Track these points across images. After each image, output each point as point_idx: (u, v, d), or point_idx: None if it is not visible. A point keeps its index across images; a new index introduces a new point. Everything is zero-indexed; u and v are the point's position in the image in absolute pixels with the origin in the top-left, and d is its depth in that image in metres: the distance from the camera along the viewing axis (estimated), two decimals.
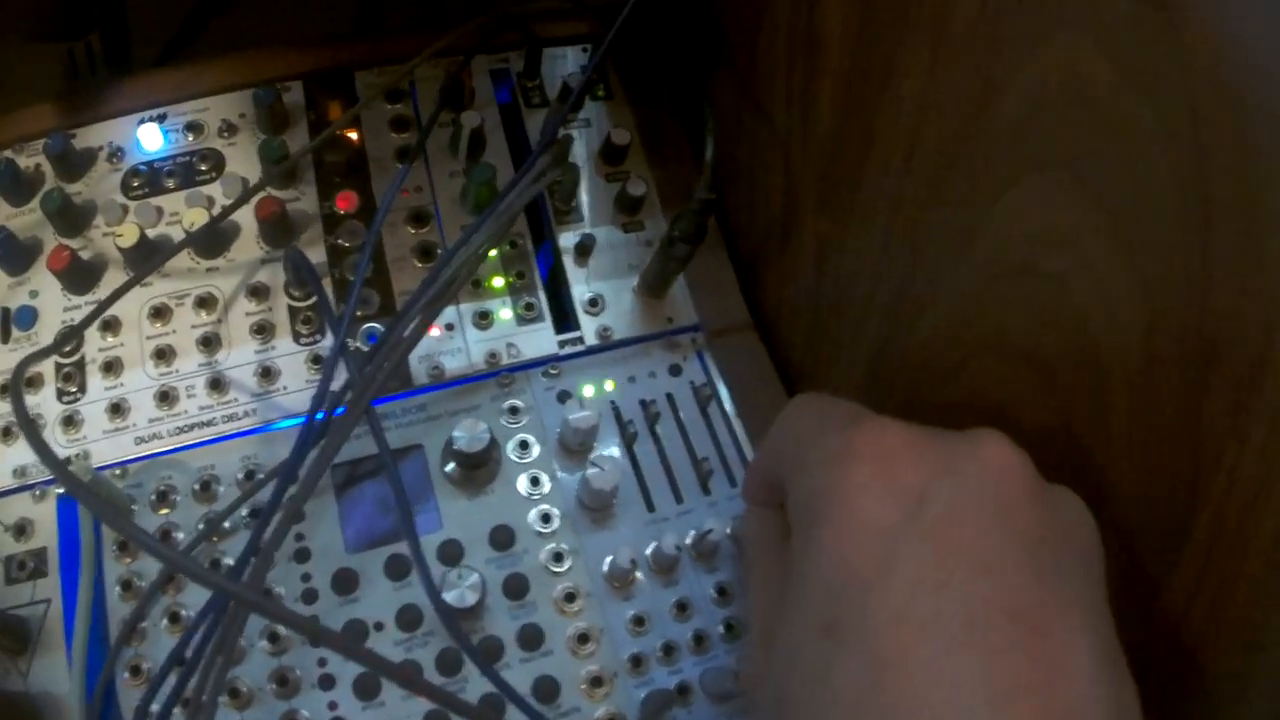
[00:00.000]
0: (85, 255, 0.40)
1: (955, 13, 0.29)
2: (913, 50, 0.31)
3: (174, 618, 0.35)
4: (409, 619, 0.35)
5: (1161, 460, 0.26)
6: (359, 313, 0.39)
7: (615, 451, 0.38)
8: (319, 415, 0.36)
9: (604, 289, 0.41)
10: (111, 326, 0.39)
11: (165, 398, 0.38)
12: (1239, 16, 0.21)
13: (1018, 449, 0.25)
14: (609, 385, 0.40)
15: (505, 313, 0.40)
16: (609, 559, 0.36)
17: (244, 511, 0.36)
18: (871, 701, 0.22)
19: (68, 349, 0.39)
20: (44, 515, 0.37)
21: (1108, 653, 0.23)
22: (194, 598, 0.35)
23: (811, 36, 0.36)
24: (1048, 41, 0.26)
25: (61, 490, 0.37)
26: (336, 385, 0.36)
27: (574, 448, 0.38)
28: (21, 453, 0.38)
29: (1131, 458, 0.27)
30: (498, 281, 0.40)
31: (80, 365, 0.39)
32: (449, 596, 0.34)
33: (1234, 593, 0.25)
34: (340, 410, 0.36)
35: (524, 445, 0.38)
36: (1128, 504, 0.27)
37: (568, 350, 0.40)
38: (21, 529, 0.37)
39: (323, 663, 0.34)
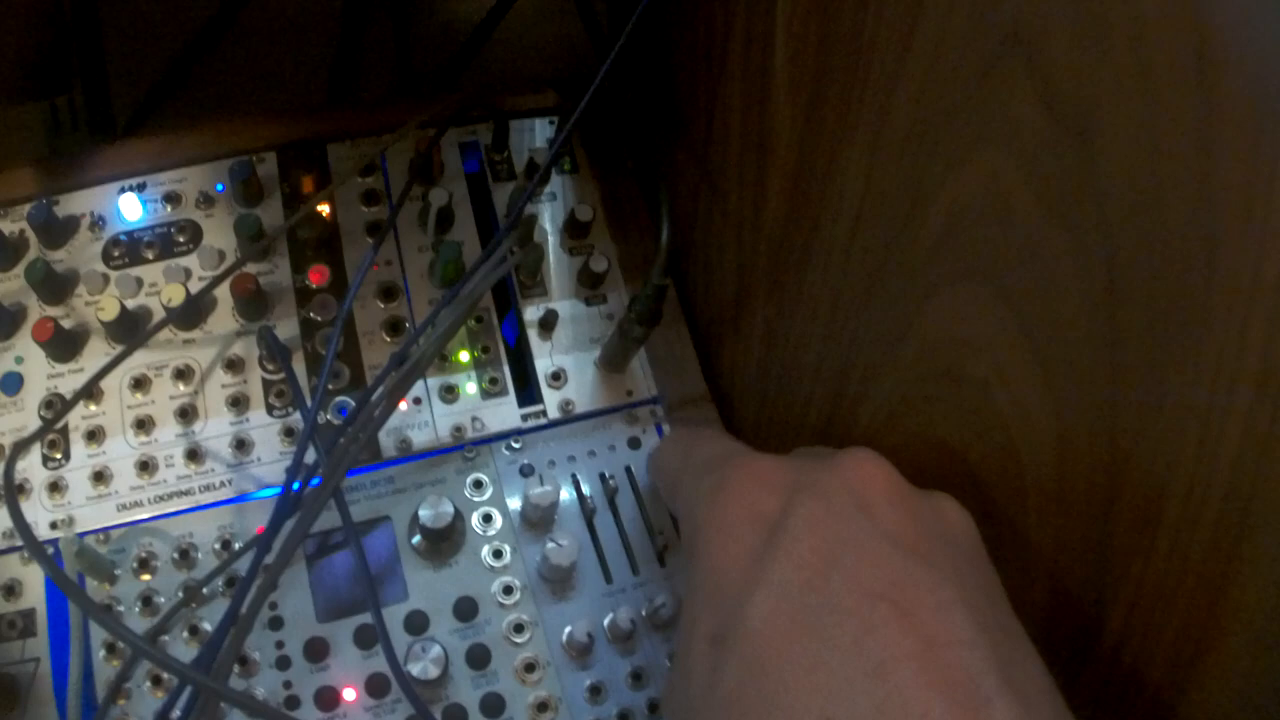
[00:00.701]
0: (67, 324, 0.41)
1: (891, 119, 0.30)
2: (853, 152, 0.33)
3: (156, 680, 0.37)
4: (377, 686, 0.37)
5: (1075, 562, 0.28)
6: (330, 386, 0.41)
7: (575, 525, 0.40)
8: (295, 486, 0.37)
9: (566, 362, 0.43)
10: (94, 395, 0.41)
11: (145, 466, 0.40)
12: (1157, 148, 0.22)
13: (878, 459, 0.28)
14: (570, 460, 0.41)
15: (470, 387, 0.42)
16: (568, 630, 0.38)
17: (219, 580, 0.38)
18: (755, 697, 0.24)
19: (53, 415, 0.41)
20: (33, 577, 0.39)
21: (991, 624, 0.24)
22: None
23: (763, 129, 0.38)
24: (972, 158, 0.27)
25: (51, 552, 0.39)
26: (310, 457, 0.38)
27: (535, 521, 0.39)
28: (8, 516, 0.39)
29: (1047, 556, 0.29)
30: (464, 356, 0.42)
31: (64, 433, 0.41)
32: (413, 669, 0.36)
33: (1139, 695, 0.27)
34: (315, 481, 0.37)
35: (487, 518, 0.40)
36: (1045, 598, 0.29)
37: (530, 423, 0.42)
38: (11, 589, 0.39)
39: None
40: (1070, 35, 0.23)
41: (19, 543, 0.39)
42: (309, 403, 0.38)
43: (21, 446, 0.35)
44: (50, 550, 0.38)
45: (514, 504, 0.40)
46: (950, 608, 0.24)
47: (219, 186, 0.44)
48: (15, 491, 0.34)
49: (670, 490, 0.33)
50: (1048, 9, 0.24)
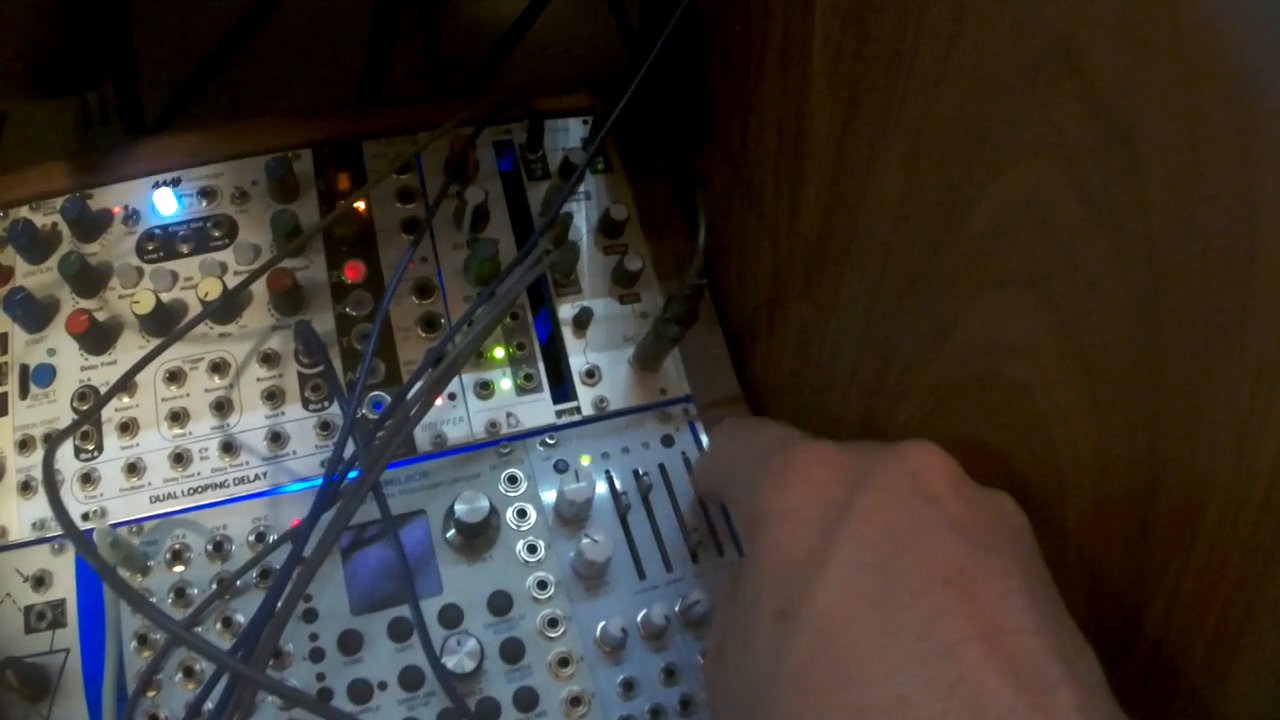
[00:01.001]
0: (101, 317, 0.42)
1: (932, 125, 0.31)
2: (893, 156, 0.33)
3: (188, 672, 0.37)
4: (411, 679, 0.37)
5: (1112, 564, 0.28)
6: (366, 381, 0.41)
7: (609, 521, 0.40)
8: (334, 479, 0.38)
9: (600, 360, 0.43)
10: (128, 388, 0.41)
11: (179, 459, 0.40)
12: (1199, 158, 0.22)
13: (941, 452, 0.28)
14: (604, 457, 0.42)
15: (505, 383, 0.42)
16: (601, 625, 0.38)
17: (254, 573, 0.38)
18: (827, 670, 0.24)
19: (86, 407, 0.41)
20: (63, 568, 0.39)
21: (1051, 614, 0.25)
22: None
23: (800, 131, 0.38)
24: (1015, 164, 0.28)
25: None
26: (347, 451, 0.38)
27: (570, 517, 0.40)
28: (39, 507, 0.39)
29: (1085, 559, 0.29)
30: (499, 352, 0.42)
31: (98, 424, 0.41)
32: (449, 662, 0.36)
33: (1175, 693, 0.27)
34: (352, 475, 0.38)
35: (522, 514, 0.40)
36: (1082, 596, 0.29)
37: (565, 420, 0.42)
38: (40, 580, 0.39)
39: None
40: (1114, 45, 0.24)
41: (49, 534, 0.39)
42: (346, 397, 0.38)
43: (59, 439, 0.35)
44: (88, 539, 0.38)
45: (548, 499, 0.40)
46: (1015, 596, 0.24)
47: (254, 182, 0.44)
48: (55, 483, 0.34)
49: (726, 475, 0.33)
50: (1092, 19, 0.24)
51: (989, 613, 0.24)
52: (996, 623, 0.23)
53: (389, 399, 0.40)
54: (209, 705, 0.35)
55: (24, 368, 0.41)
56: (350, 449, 0.38)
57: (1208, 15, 0.21)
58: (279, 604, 0.34)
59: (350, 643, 0.38)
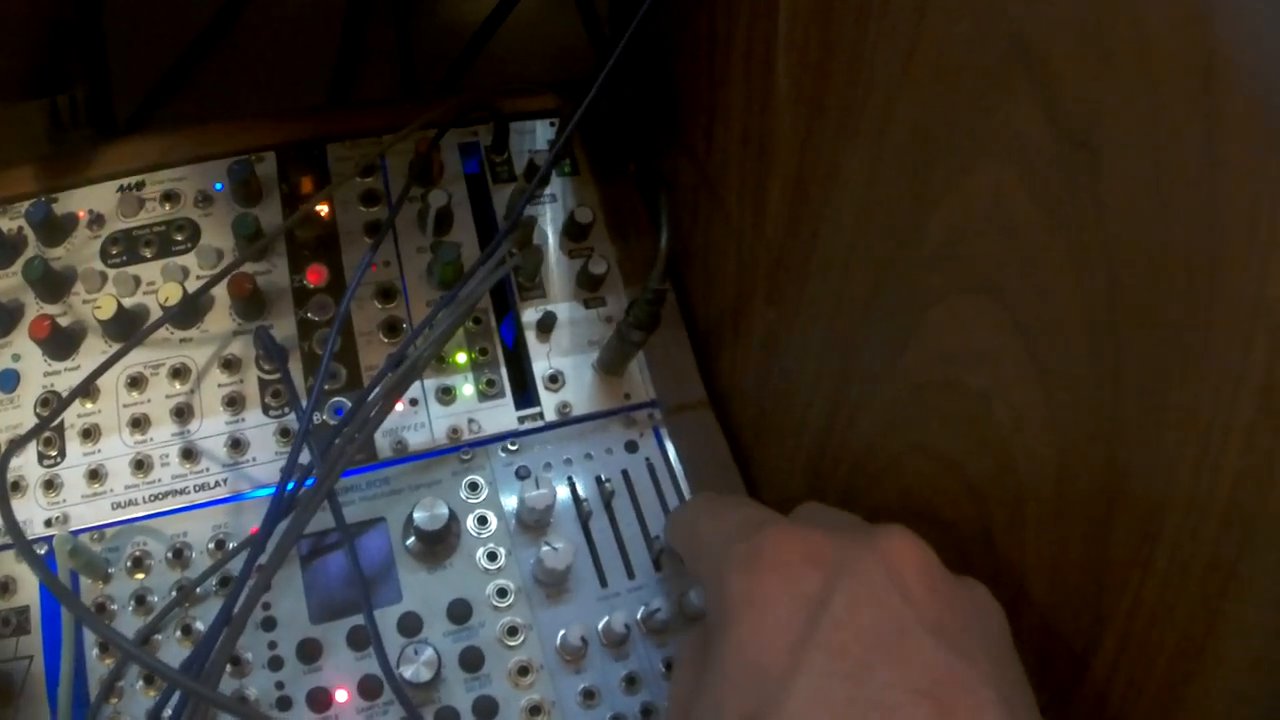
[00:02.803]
0: (64, 322, 0.41)
1: (893, 129, 0.30)
2: (855, 160, 0.33)
3: (149, 679, 0.37)
4: (370, 688, 0.37)
5: (1072, 576, 0.28)
6: (327, 386, 0.41)
7: (571, 528, 0.40)
8: (289, 487, 0.37)
9: (564, 365, 0.43)
10: (90, 394, 0.41)
11: (141, 465, 0.40)
12: (1161, 163, 0.22)
13: (918, 542, 0.27)
14: (566, 463, 0.41)
15: (467, 388, 0.42)
16: (562, 633, 0.38)
17: (214, 580, 0.38)
18: None
19: (47, 414, 0.41)
20: (27, 574, 0.39)
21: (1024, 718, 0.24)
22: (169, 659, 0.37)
23: (764, 135, 0.37)
24: (974, 168, 0.27)
25: (42, 551, 0.39)
26: (305, 458, 0.38)
27: (531, 524, 0.39)
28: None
29: (1044, 570, 0.29)
30: (461, 357, 0.42)
31: (60, 430, 0.40)
32: (406, 671, 0.36)
33: (1133, 712, 0.27)
34: (309, 482, 0.37)
35: (483, 520, 0.40)
36: (1041, 613, 0.29)
37: (527, 425, 0.41)
38: (5, 586, 0.38)
39: None
40: (1075, 47, 0.23)
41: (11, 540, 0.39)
42: (304, 403, 0.38)
43: (17, 445, 0.35)
44: (44, 548, 0.38)
45: (509, 506, 0.40)
46: (990, 709, 0.24)
47: (217, 186, 0.44)
48: (7, 491, 0.34)
49: (695, 554, 0.32)
50: (1052, 21, 0.24)
51: None
52: None
53: (349, 404, 0.40)
54: (168, 713, 0.34)
55: None
56: (310, 456, 0.37)
57: (1170, 18, 0.21)
58: (234, 612, 0.34)
59: (309, 651, 0.37)
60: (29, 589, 0.38)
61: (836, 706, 0.24)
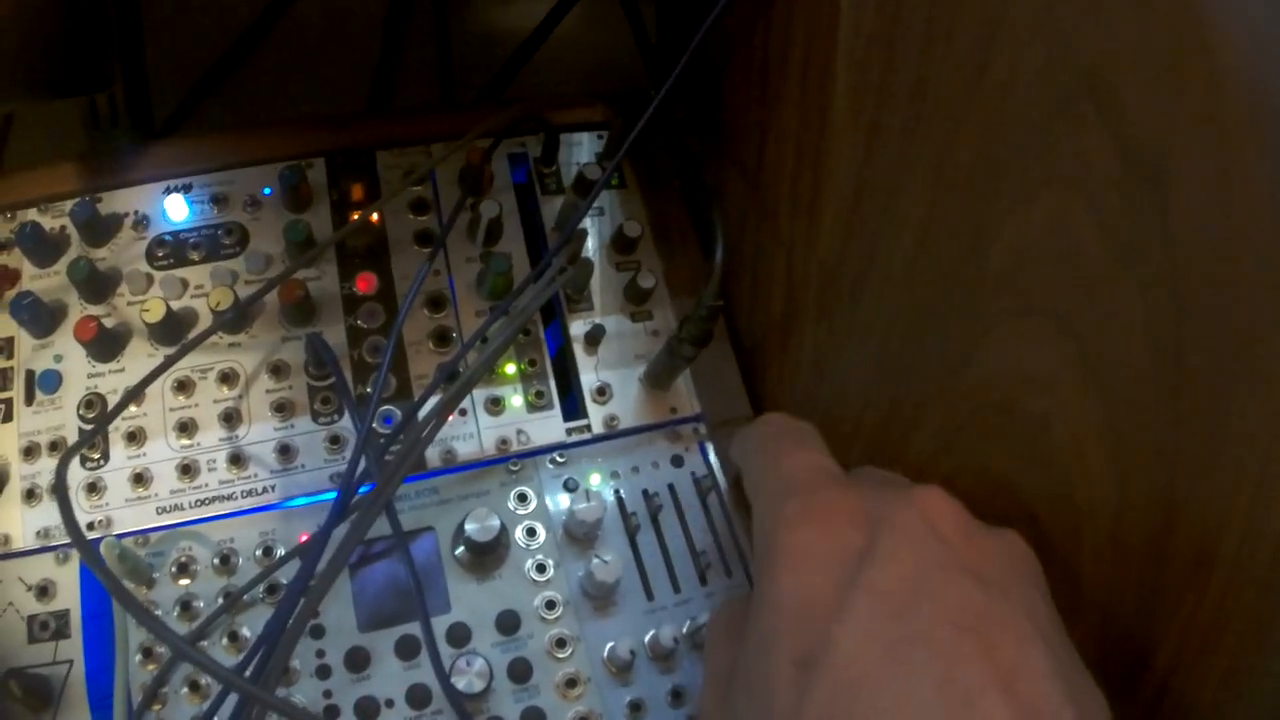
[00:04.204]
0: (109, 324, 0.41)
1: (956, 153, 0.30)
2: (916, 183, 0.33)
3: (194, 686, 0.37)
4: (418, 698, 0.37)
5: (1127, 598, 0.28)
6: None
7: (618, 541, 0.40)
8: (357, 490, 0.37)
9: (611, 378, 0.43)
10: (137, 398, 0.41)
11: (187, 470, 0.40)
12: (1229, 198, 0.22)
13: (951, 498, 0.29)
14: (613, 476, 0.41)
15: (516, 399, 0.42)
16: (609, 646, 0.38)
17: (261, 587, 0.38)
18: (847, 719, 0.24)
19: (92, 415, 0.40)
20: (67, 577, 0.38)
21: (1064, 658, 0.26)
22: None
23: (819, 155, 0.38)
24: (1039, 195, 0.28)
25: None
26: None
27: (579, 537, 0.39)
28: (44, 515, 0.39)
29: (1098, 592, 0.29)
30: (510, 368, 0.42)
31: (105, 434, 0.40)
32: (458, 682, 0.36)
33: None
34: (363, 489, 0.37)
35: (531, 532, 0.40)
36: (1093, 634, 0.29)
37: (575, 438, 0.42)
38: (44, 589, 0.38)
39: None
40: (1145, 81, 0.24)
41: (53, 543, 0.39)
42: (358, 413, 0.38)
43: (73, 451, 0.35)
44: (97, 553, 0.38)
45: (557, 518, 0.40)
46: (1029, 641, 0.25)
47: (266, 190, 0.44)
48: (67, 494, 0.34)
49: (751, 490, 0.33)
50: (1124, 56, 0.24)
51: (1006, 660, 0.24)
52: (1013, 670, 0.24)
53: (399, 413, 0.40)
54: None
55: (30, 373, 0.41)
56: (363, 464, 0.37)
57: (1241, 53, 0.21)
58: (290, 620, 0.34)
59: (357, 660, 0.37)
60: (68, 593, 0.38)
61: (885, 644, 0.25)
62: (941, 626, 0.25)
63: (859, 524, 0.28)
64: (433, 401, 0.38)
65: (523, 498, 0.40)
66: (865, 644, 0.25)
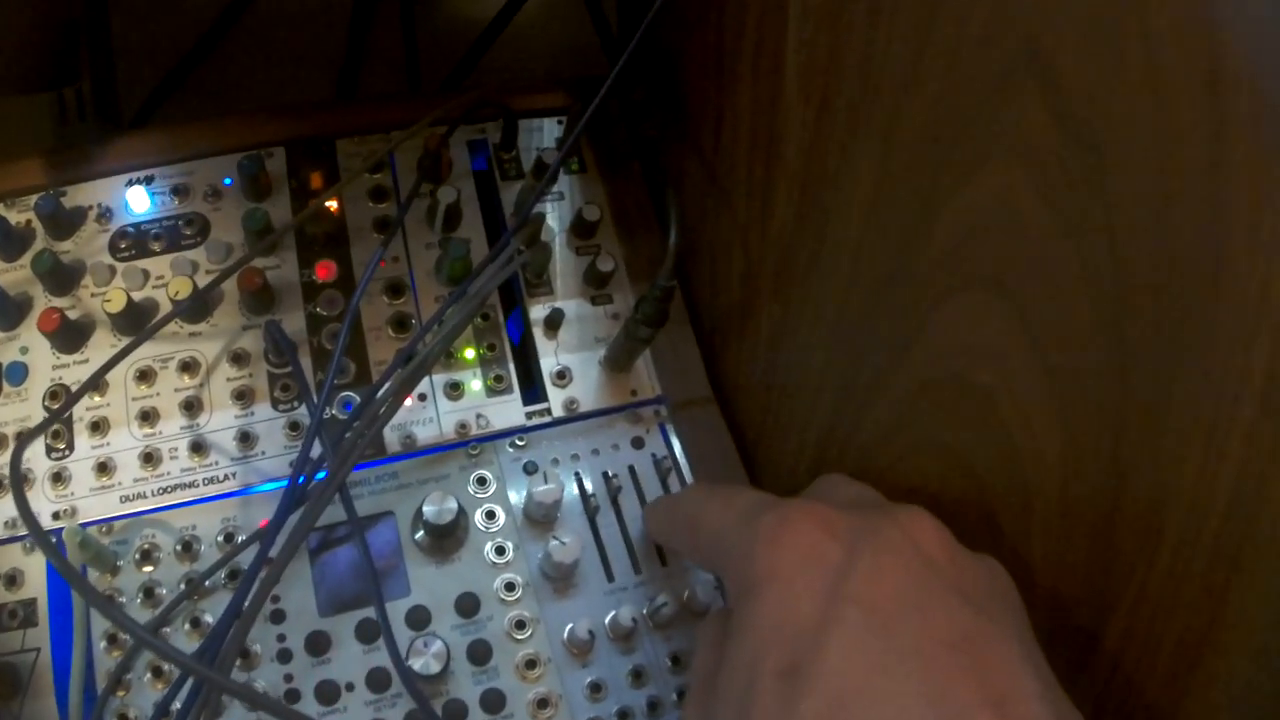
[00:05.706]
0: (73, 315, 0.41)
1: (902, 129, 0.31)
2: (863, 160, 0.33)
3: (157, 672, 0.37)
4: (378, 681, 0.37)
5: (1077, 569, 0.28)
6: (335, 381, 0.41)
7: (578, 523, 0.40)
8: (300, 480, 0.37)
9: (571, 361, 0.43)
10: (99, 387, 0.41)
11: (149, 459, 0.40)
12: (1167, 164, 0.22)
13: (935, 519, 0.28)
14: (573, 459, 0.41)
15: (475, 384, 0.42)
16: (569, 627, 0.38)
17: (222, 573, 0.38)
18: None
19: (57, 406, 0.41)
20: (34, 567, 0.39)
21: (1050, 681, 0.25)
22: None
23: (772, 135, 0.38)
24: (983, 169, 0.28)
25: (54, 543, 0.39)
26: (315, 452, 0.38)
27: (538, 519, 0.40)
28: (11, 505, 0.39)
29: (1050, 563, 0.29)
30: (469, 353, 0.42)
31: (69, 424, 0.41)
32: (415, 664, 0.36)
33: (1136, 704, 0.27)
34: (320, 476, 0.38)
35: (490, 515, 0.40)
36: (1046, 605, 0.29)
37: (535, 421, 0.42)
38: (12, 579, 0.39)
39: None
40: (1083, 50, 0.24)
41: (21, 532, 0.39)
42: (315, 397, 0.38)
43: (28, 438, 0.35)
44: (53, 540, 0.38)
45: (517, 501, 0.40)
46: (1019, 662, 0.25)
47: (227, 180, 0.44)
48: (21, 483, 0.34)
49: (701, 543, 0.32)
50: (1062, 24, 0.24)
51: (996, 679, 0.24)
52: (1004, 690, 0.24)
53: (359, 399, 0.40)
54: (176, 705, 0.35)
55: None
56: (319, 450, 0.38)
57: (1177, 19, 0.21)
58: (245, 604, 0.34)
59: (318, 644, 0.38)
60: (36, 581, 0.39)
61: (873, 657, 0.25)
62: (931, 643, 0.24)
63: (837, 534, 0.27)
64: (390, 385, 0.38)
65: (482, 481, 0.41)
66: (853, 657, 0.25)
